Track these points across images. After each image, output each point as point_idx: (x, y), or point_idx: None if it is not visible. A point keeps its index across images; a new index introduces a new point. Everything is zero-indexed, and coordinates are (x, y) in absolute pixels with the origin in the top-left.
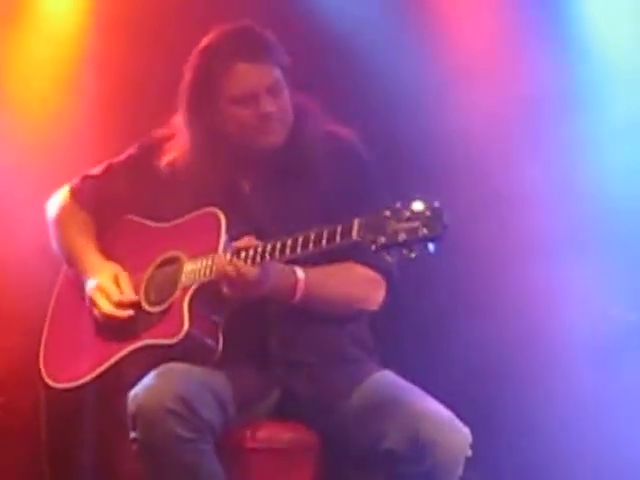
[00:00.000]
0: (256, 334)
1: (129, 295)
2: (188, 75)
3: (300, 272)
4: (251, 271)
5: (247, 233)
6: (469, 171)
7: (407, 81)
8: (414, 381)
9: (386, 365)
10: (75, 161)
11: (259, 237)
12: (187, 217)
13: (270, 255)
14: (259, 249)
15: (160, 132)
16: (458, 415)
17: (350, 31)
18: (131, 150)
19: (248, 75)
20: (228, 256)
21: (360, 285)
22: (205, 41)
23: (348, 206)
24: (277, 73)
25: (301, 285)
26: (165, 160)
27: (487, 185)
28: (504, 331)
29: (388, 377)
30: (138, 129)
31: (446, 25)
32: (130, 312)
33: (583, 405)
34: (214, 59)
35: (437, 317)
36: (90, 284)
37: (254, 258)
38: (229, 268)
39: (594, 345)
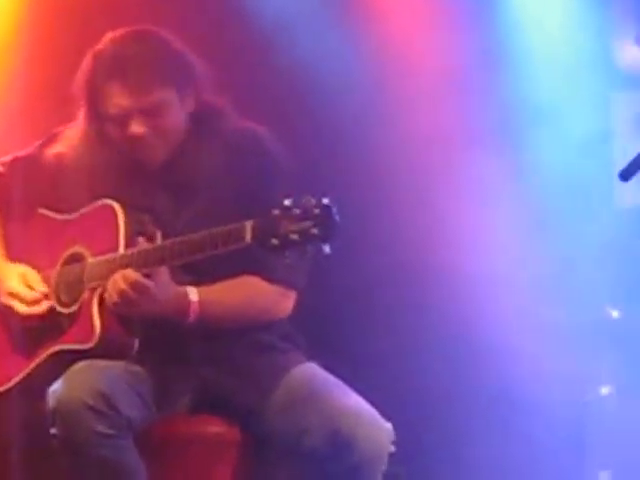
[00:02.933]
0: (173, 328)
1: (42, 290)
2: (82, 74)
3: (193, 294)
4: (144, 284)
5: (150, 226)
6: (400, 168)
7: (336, 76)
8: (337, 375)
9: (310, 357)
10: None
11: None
12: (87, 208)
13: (169, 258)
14: (157, 254)
15: (64, 129)
16: (382, 410)
17: (276, 24)
18: (34, 148)
19: (120, 97)
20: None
21: (259, 300)
22: (98, 47)
23: (252, 206)
24: (162, 93)
25: (195, 307)
26: (54, 150)
27: (420, 181)
28: (433, 326)
29: (312, 370)
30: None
31: (378, 18)
32: (48, 304)
33: (513, 397)
34: (96, 72)
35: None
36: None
37: (150, 263)
38: (122, 285)
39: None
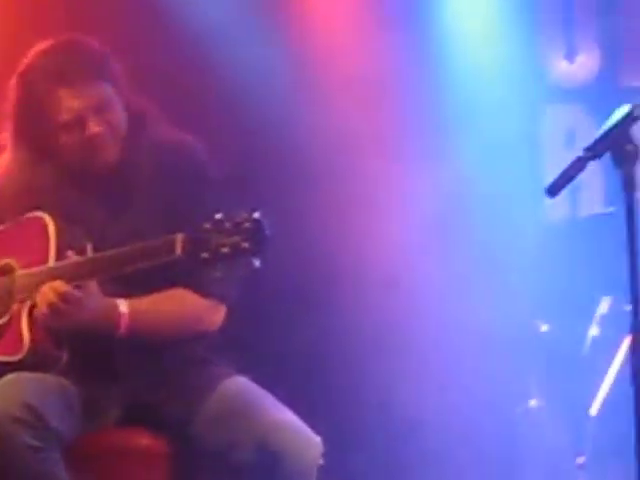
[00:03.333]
0: (103, 341)
1: None
2: (12, 99)
3: (124, 306)
4: (73, 294)
5: (81, 238)
6: (330, 172)
7: (260, 78)
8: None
9: (240, 371)
10: None
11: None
12: (18, 220)
13: (99, 271)
14: (87, 266)
15: None
16: (312, 424)
17: (199, 27)
18: None
19: (70, 101)
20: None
21: (190, 313)
22: (25, 63)
23: (185, 218)
24: (105, 89)
25: (125, 319)
26: None
27: (346, 183)
28: (365, 341)
29: (242, 384)
30: None
31: (302, 21)
32: None
33: (442, 409)
34: (35, 86)
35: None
36: None
37: (80, 276)
38: (51, 297)
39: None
